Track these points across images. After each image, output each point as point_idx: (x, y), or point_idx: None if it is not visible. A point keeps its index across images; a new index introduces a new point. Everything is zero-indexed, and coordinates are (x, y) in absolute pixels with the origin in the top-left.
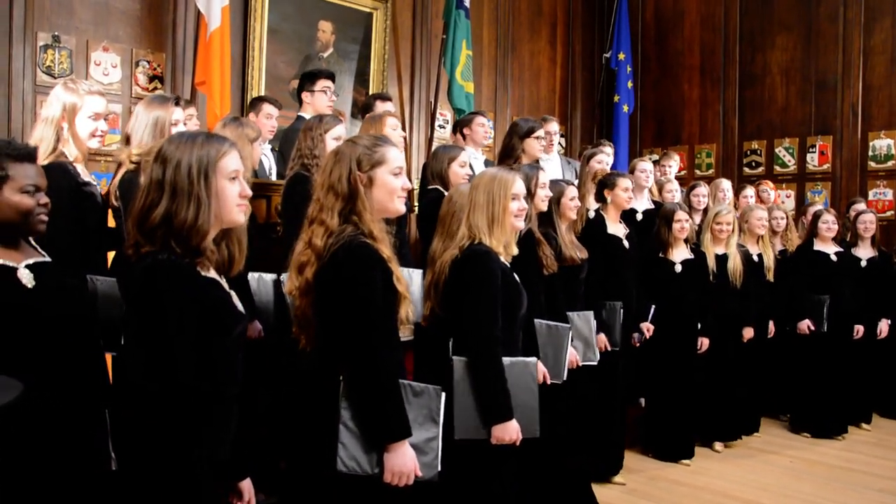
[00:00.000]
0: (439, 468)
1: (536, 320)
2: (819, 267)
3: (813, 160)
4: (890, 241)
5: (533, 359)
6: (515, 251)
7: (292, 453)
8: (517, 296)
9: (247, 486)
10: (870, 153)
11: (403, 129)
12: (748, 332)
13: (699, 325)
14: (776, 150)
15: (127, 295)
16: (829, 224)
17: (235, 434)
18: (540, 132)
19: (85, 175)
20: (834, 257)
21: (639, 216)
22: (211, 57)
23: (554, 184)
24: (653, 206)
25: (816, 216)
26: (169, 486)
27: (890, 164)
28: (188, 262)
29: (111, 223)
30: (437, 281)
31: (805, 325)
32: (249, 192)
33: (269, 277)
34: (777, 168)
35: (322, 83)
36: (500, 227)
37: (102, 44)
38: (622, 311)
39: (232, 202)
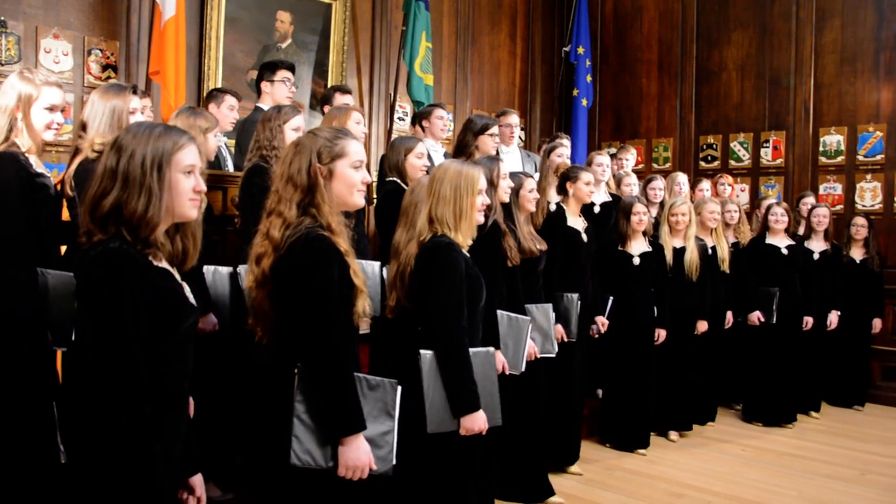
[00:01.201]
0: (394, 462)
1: (498, 311)
2: (770, 260)
3: (767, 155)
4: (840, 235)
5: (492, 349)
6: (470, 242)
7: (248, 448)
8: (478, 288)
9: (198, 481)
10: (821, 148)
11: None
12: (702, 325)
13: (656, 317)
14: (731, 145)
15: (78, 286)
16: (777, 217)
17: (186, 429)
18: (494, 129)
19: (38, 166)
20: (785, 250)
21: (596, 209)
22: (165, 46)
23: (513, 176)
24: (610, 199)
25: (767, 210)
26: (125, 482)
27: (839, 159)
28: (140, 252)
29: (65, 216)
30: (402, 272)
31: (755, 316)
32: (204, 188)
33: (225, 270)
34: (732, 162)
35: (282, 74)
36: (467, 222)
37: (53, 30)
38: (579, 303)
39: (184, 196)
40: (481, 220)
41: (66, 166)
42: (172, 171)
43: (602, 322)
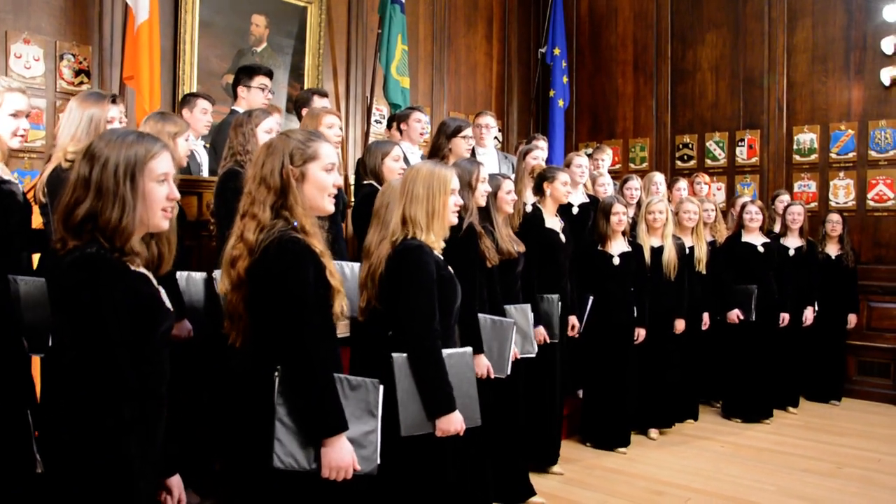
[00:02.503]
0: (378, 461)
1: (480, 315)
2: (746, 258)
3: (742, 153)
4: (814, 232)
5: (469, 349)
6: (442, 243)
7: (227, 452)
8: (452, 289)
9: (176, 482)
10: (794, 147)
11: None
12: (680, 325)
13: (635, 316)
14: (707, 144)
15: (53, 291)
16: (752, 215)
17: (164, 432)
18: (467, 131)
19: (4, 173)
20: (761, 248)
21: (574, 210)
22: (139, 50)
23: (491, 178)
24: (588, 200)
25: (742, 208)
26: (107, 484)
27: (813, 157)
28: (116, 257)
29: (36, 223)
30: (373, 273)
31: (734, 314)
32: (177, 195)
33: (199, 276)
34: (708, 161)
35: (259, 80)
36: (439, 222)
37: (23, 35)
38: (560, 303)
39: (157, 206)
40: (455, 220)
41: (39, 173)
42: (146, 180)
43: (572, 322)
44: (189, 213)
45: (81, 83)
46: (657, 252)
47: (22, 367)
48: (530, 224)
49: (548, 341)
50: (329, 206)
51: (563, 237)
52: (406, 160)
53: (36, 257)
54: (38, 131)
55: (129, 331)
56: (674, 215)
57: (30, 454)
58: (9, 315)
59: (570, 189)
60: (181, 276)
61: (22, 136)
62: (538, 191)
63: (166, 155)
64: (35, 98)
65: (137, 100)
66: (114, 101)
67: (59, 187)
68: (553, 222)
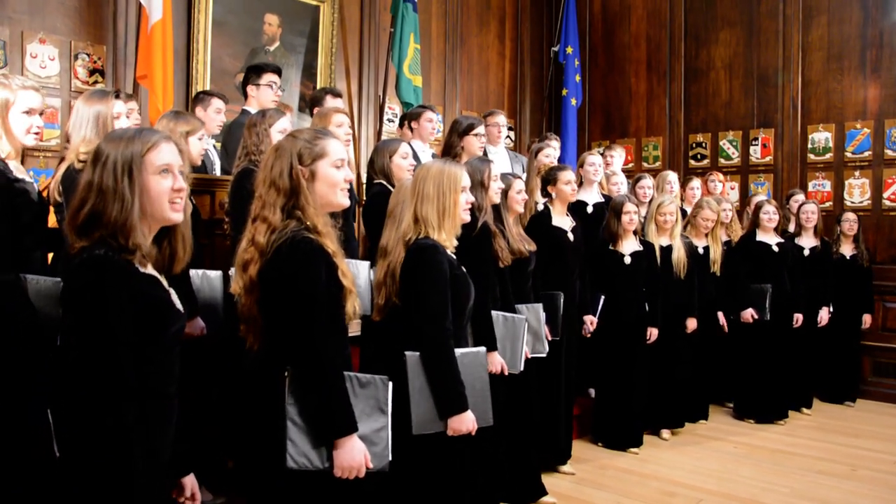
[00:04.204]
0: (390, 457)
1: (493, 312)
2: (761, 257)
3: (756, 153)
4: (829, 231)
5: (482, 349)
6: (455, 242)
7: (240, 452)
8: (465, 288)
9: (189, 481)
10: (809, 146)
11: (352, 123)
12: (691, 324)
13: (647, 316)
14: (720, 143)
15: (64, 291)
16: (769, 215)
17: (175, 430)
18: (479, 129)
19: (18, 172)
20: (775, 247)
21: (589, 209)
22: (152, 50)
23: (502, 177)
24: (603, 200)
25: (758, 207)
26: (104, 486)
27: (828, 156)
28: (125, 258)
29: (52, 222)
30: (392, 270)
31: (748, 314)
32: (183, 185)
33: (215, 274)
34: (722, 160)
35: (268, 77)
36: (450, 220)
37: (39, 35)
38: (563, 300)
39: (161, 198)
40: (467, 218)
41: (54, 172)
42: (144, 174)
43: (591, 321)
44: (203, 211)
45: (96, 82)
46: (666, 251)
47: (40, 364)
48: (538, 222)
49: (549, 338)
50: (343, 200)
51: (571, 236)
52: (417, 158)
53: (50, 256)
54: (53, 130)
55: (133, 332)
56: (691, 217)
57: (49, 453)
58: (23, 313)
59: (575, 186)
60: (196, 273)
61: (36, 133)
62: (545, 192)
63: (167, 146)
64: (50, 97)
65: (151, 99)
66: (118, 97)
67: (73, 186)
68: (561, 221)
